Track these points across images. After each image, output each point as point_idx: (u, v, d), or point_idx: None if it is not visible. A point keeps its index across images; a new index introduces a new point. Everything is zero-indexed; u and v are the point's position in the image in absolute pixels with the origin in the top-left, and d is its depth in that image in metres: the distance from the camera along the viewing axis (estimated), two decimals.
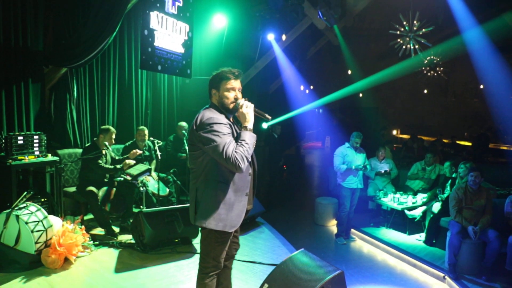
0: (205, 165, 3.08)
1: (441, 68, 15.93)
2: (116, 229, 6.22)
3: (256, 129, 3.16)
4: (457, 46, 10.19)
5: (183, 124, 7.94)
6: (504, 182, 7.97)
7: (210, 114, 3.06)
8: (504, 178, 8.32)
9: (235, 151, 2.93)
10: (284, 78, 12.86)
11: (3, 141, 5.49)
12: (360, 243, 7.22)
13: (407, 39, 9.39)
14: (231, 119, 3.21)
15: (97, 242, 5.66)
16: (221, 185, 3.07)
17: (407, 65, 10.78)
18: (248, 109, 3.11)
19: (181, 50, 7.44)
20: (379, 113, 19.92)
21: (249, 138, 3.05)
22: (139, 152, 6.46)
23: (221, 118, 3.07)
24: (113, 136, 6.28)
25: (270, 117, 3.28)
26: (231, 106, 3.17)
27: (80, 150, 6.60)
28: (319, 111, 21.80)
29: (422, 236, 7.10)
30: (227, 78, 3.16)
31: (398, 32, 9.40)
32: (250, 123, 3.11)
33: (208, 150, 2.99)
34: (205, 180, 3.10)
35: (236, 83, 3.19)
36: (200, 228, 3.21)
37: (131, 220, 6.05)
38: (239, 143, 2.99)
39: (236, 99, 3.17)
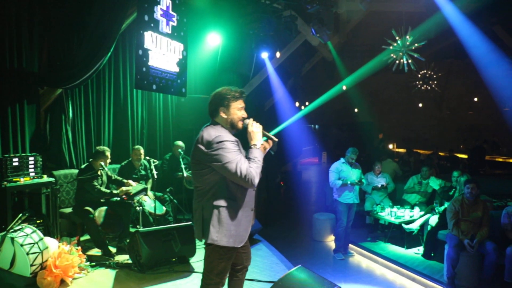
0: (214, 182, 3.12)
1: (435, 82, 16.04)
2: (113, 250, 6.17)
3: None
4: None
5: (180, 143, 7.93)
6: (501, 194, 7.99)
7: (217, 132, 3.10)
8: (500, 189, 8.34)
9: (250, 167, 3.00)
10: (279, 95, 12.92)
11: None
12: (359, 258, 7.20)
13: (400, 54, 9.48)
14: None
15: (94, 263, 5.59)
16: (230, 201, 3.12)
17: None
18: (257, 128, 3.20)
19: (175, 69, 7.48)
20: (375, 128, 20.01)
21: (260, 155, 3.13)
22: (133, 183, 6.50)
23: (229, 135, 3.13)
24: (108, 154, 6.28)
25: (277, 140, 3.35)
26: (240, 124, 3.25)
27: (76, 171, 6.58)
28: (315, 127, 21.85)
29: (420, 249, 7.09)
30: (238, 97, 3.25)
31: (391, 47, 9.49)
32: (259, 141, 3.18)
33: (219, 168, 3.03)
34: (213, 197, 3.12)
35: (243, 103, 3.29)
36: (204, 246, 3.25)
37: (127, 240, 6.01)
38: (252, 160, 3.07)
39: (244, 118, 3.25)
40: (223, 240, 3.08)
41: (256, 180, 3.03)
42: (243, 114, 3.26)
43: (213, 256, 3.20)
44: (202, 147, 3.07)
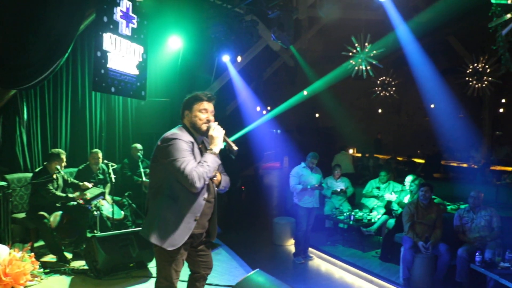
0: (159, 179, 3.16)
1: (393, 88, 16.43)
2: (69, 255, 6.03)
3: None
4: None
5: (138, 146, 7.84)
6: (454, 197, 8.25)
7: (176, 131, 3.16)
8: (454, 193, 8.60)
9: (194, 169, 2.98)
10: (240, 100, 12.95)
11: None
12: (318, 261, 7.27)
13: (359, 60, 9.67)
14: (197, 141, 3.26)
15: (48, 270, 5.45)
16: (169, 200, 3.11)
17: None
18: (217, 133, 3.18)
19: (135, 71, 7.37)
20: (335, 133, 20.31)
21: (212, 161, 3.10)
22: (90, 185, 6.35)
23: (185, 136, 3.14)
24: (63, 157, 6.14)
25: (236, 148, 3.31)
26: (203, 127, 3.23)
27: (30, 175, 6.39)
28: (277, 132, 22.00)
29: (378, 252, 7.23)
30: (200, 99, 3.26)
31: (350, 54, 9.66)
32: (216, 147, 3.18)
33: (167, 164, 3.05)
34: (156, 193, 3.16)
35: (209, 106, 3.27)
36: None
37: (84, 246, 5.88)
38: (200, 163, 3.05)
39: (208, 120, 3.24)
40: (152, 237, 3.09)
41: (197, 184, 2.98)
42: (207, 117, 3.25)
43: (159, 258, 3.24)
44: (159, 142, 3.14)
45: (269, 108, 18.13)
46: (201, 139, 3.35)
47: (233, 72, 10.53)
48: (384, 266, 6.72)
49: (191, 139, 3.18)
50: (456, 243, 5.97)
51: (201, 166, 3.02)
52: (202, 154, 3.20)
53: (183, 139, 3.08)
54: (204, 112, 3.24)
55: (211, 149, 3.14)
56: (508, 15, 4.44)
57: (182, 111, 3.33)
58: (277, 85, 17.08)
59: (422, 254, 5.85)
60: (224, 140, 3.26)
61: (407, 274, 5.79)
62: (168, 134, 3.13)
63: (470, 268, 5.41)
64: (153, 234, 3.08)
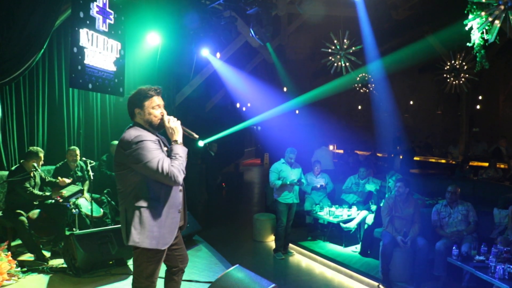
0: (134, 183, 3.05)
1: (373, 85, 16.56)
2: (47, 254, 5.95)
3: (192, 147, 3.17)
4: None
5: (116, 143, 7.75)
6: (433, 192, 8.35)
7: (137, 132, 3.04)
8: (433, 188, 8.72)
9: (172, 165, 2.96)
10: (220, 96, 12.89)
11: None
12: (299, 257, 7.31)
13: (338, 57, 9.71)
14: (157, 136, 3.20)
15: (26, 269, 5.37)
16: (152, 202, 3.05)
17: (342, 83, 11.08)
18: (175, 123, 3.15)
19: (113, 68, 7.29)
20: (315, 130, 20.38)
21: (182, 151, 3.09)
22: (68, 181, 6.25)
23: (148, 135, 3.07)
24: (41, 156, 6.04)
25: (197, 136, 3.31)
26: (158, 123, 3.18)
27: (6, 173, 6.27)
28: (257, 128, 22.00)
29: (358, 247, 7.29)
30: (150, 95, 3.17)
31: (329, 50, 9.70)
32: (179, 136, 3.14)
33: (140, 168, 2.98)
34: (135, 198, 3.05)
35: (159, 100, 3.21)
36: (132, 249, 3.15)
37: (62, 244, 5.81)
38: (173, 157, 3.02)
39: (162, 115, 3.18)
40: (145, 242, 3.02)
41: (180, 178, 3.00)
42: (161, 112, 3.20)
43: (140, 259, 3.14)
44: (122, 149, 3.03)
45: (249, 104, 18.10)
46: (156, 133, 3.25)
47: (213, 67, 10.44)
48: (363, 261, 6.78)
49: (155, 136, 3.13)
50: (434, 237, 6.06)
51: (175, 160, 3.01)
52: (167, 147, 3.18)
53: (149, 139, 3.02)
54: (157, 108, 3.18)
55: (175, 141, 3.12)
56: (483, 13, 4.51)
57: (132, 110, 3.21)
58: (257, 81, 17.05)
59: (401, 248, 5.93)
60: (183, 130, 3.23)
61: (386, 268, 5.85)
62: (130, 137, 3.01)
63: (448, 261, 5.49)
64: (144, 240, 3.01)
